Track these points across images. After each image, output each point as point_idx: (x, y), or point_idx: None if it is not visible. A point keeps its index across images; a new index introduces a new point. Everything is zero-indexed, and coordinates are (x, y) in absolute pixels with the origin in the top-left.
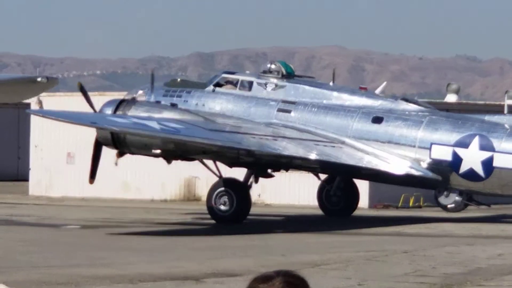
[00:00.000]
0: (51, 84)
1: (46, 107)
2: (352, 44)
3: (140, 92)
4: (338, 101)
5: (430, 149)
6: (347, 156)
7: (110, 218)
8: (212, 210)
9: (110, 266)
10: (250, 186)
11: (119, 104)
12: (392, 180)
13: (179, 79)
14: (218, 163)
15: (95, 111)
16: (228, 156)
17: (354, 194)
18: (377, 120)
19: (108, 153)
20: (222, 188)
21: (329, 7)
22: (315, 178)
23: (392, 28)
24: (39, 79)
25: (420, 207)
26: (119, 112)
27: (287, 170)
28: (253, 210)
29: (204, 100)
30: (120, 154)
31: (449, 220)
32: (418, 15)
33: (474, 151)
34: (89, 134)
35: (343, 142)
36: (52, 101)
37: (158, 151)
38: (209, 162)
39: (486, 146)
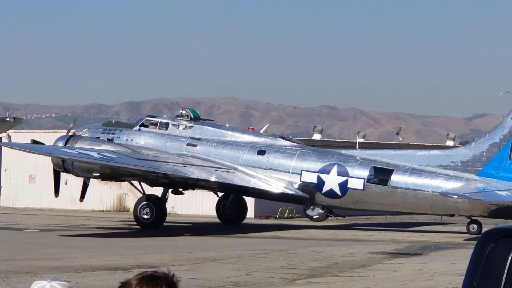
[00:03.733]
0: (17, 123)
1: (13, 140)
2: (243, 95)
3: (84, 130)
4: (232, 138)
5: (300, 174)
6: (238, 179)
7: (61, 224)
8: (137, 218)
9: (61, 260)
10: (166, 201)
11: (69, 139)
12: (272, 197)
13: (113, 121)
14: (142, 183)
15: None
16: (150, 178)
17: (244, 207)
18: (261, 152)
19: (60, 175)
20: (145, 202)
21: (225, 66)
22: (214, 195)
23: (273, 84)
24: (8, 119)
25: (293, 217)
26: (68, 145)
27: (194, 189)
28: (168, 218)
29: (132, 136)
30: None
31: (314, 227)
32: (293, 74)
33: (333, 176)
34: (46, 161)
35: (235, 169)
36: (18, 136)
37: (98, 174)
38: (136, 183)
39: (342, 173)
